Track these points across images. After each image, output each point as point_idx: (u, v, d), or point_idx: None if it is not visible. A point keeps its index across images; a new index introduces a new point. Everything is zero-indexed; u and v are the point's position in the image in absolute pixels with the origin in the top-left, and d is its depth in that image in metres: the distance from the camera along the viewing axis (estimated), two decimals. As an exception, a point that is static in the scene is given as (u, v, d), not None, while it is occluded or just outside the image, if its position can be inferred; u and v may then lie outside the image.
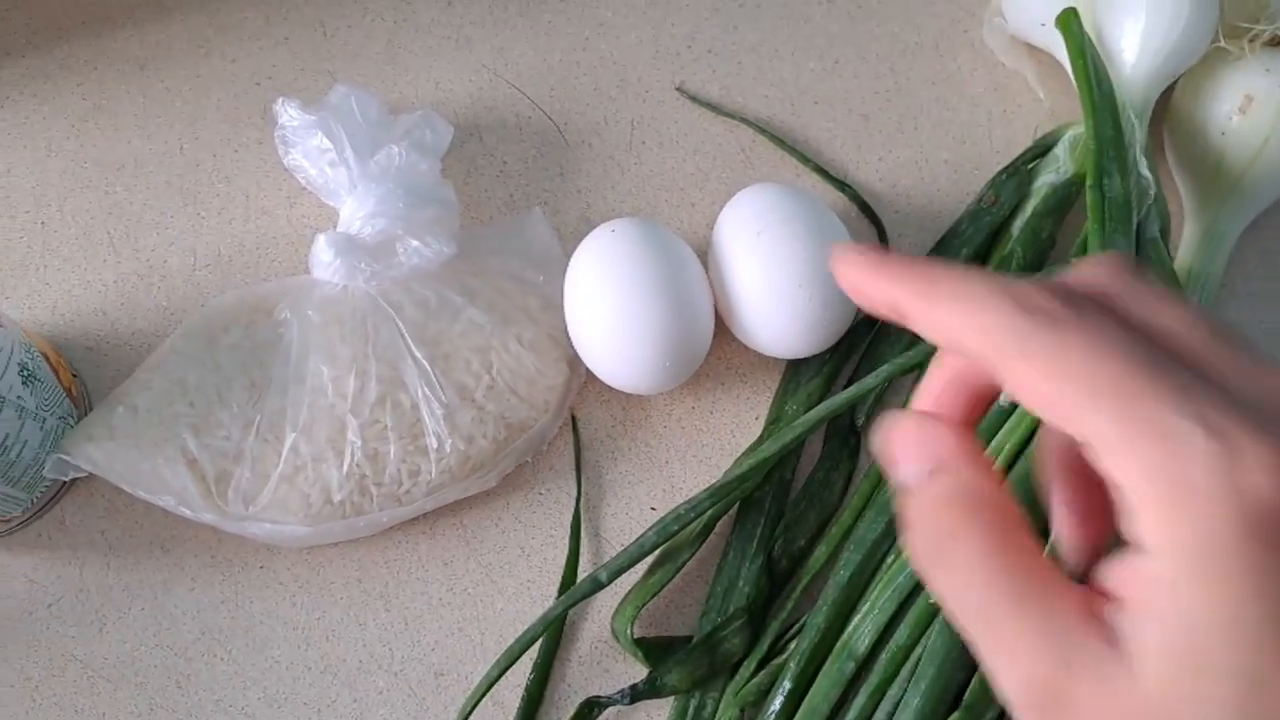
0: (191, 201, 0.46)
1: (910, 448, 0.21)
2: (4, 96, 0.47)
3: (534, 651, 0.39)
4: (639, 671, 0.39)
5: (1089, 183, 0.38)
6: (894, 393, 0.43)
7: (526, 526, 0.41)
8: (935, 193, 0.47)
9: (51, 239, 0.45)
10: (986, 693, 0.34)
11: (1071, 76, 0.41)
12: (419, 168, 0.42)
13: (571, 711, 0.39)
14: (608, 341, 0.39)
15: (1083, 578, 0.20)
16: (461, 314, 0.41)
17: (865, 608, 0.37)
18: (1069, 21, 0.41)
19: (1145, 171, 0.40)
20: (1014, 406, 0.37)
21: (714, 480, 0.40)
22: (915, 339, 0.43)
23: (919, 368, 0.40)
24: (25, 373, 0.37)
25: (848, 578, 0.38)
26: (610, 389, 0.42)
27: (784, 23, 0.50)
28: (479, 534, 0.41)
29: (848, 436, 0.42)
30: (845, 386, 0.41)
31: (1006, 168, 0.45)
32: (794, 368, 0.43)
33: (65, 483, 0.41)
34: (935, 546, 0.20)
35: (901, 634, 0.36)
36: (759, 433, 0.42)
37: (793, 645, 0.38)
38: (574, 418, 0.43)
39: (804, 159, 0.47)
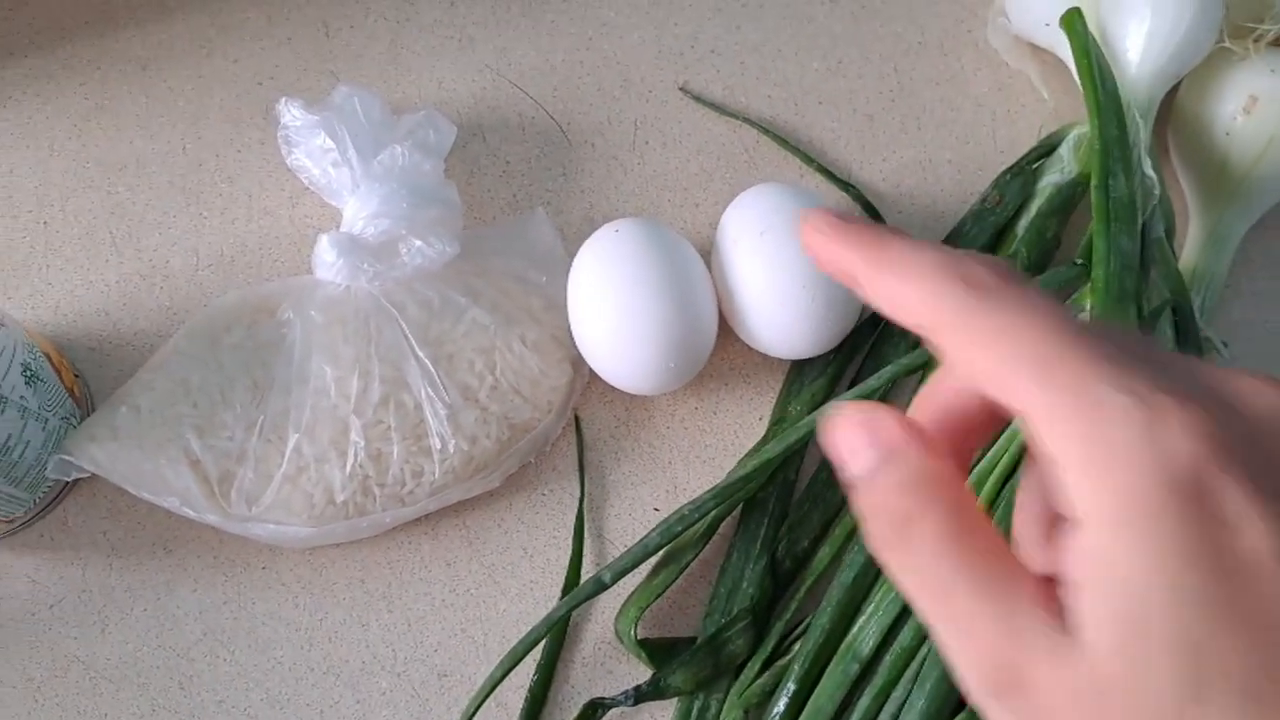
0: (194, 201, 0.46)
1: (858, 439, 0.21)
2: (7, 96, 0.47)
3: (537, 652, 0.39)
4: (643, 673, 0.39)
5: (1094, 183, 0.38)
6: (898, 393, 0.43)
7: (530, 527, 0.41)
8: (939, 193, 0.47)
9: (54, 239, 0.45)
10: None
11: (1075, 76, 0.41)
12: (422, 168, 0.42)
13: (575, 713, 0.39)
14: (611, 342, 0.39)
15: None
16: (465, 314, 0.40)
17: (870, 609, 0.37)
18: (1073, 21, 0.40)
19: (1150, 171, 0.40)
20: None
21: (717, 481, 0.40)
22: (919, 340, 0.43)
23: (923, 368, 0.40)
24: (28, 373, 0.37)
25: (852, 578, 0.37)
26: (613, 389, 0.42)
27: (787, 23, 0.50)
28: (482, 535, 0.41)
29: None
30: (849, 387, 0.41)
31: (1011, 168, 0.45)
32: (798, 368, 0.43)
33: (68, 483, 0.41)
34: (894, 532, 0.20)
35: (906, 635, 0.36)
36: (763, 433, 0.42)
37: (797, 646, 0.38)
38: (577, 418, 0.43)
39: (808, 159, 0.46)
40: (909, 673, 0.35)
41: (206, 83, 0.48)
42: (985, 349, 0.19)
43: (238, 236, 0.45)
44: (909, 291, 0.20)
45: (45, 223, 0.45)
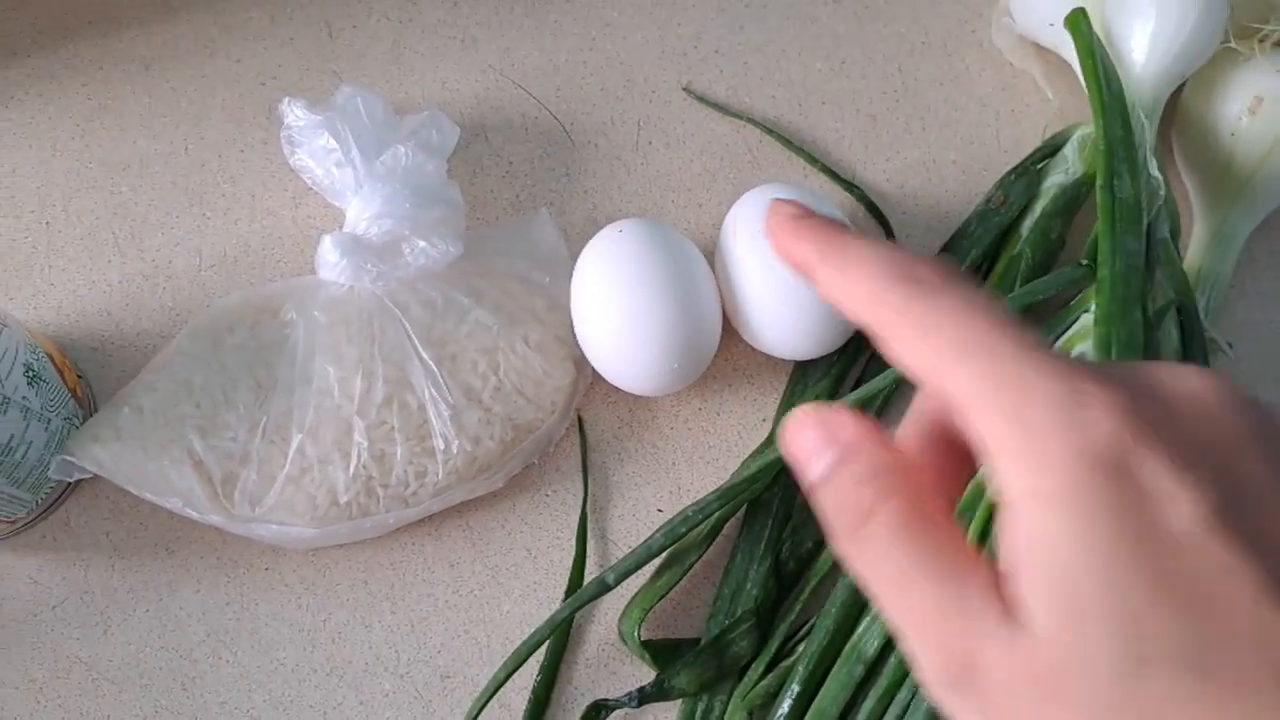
0: (197, 202, 0.46)
1: (814, 440, 0.21)
2: (9, 96, 0.47)
3: (541, 654, 0.39)
4: (646, 674, 0.39)
5: (1099, 183, 0.38)
6: (901, 394, 0.42)
7: (533, 528, 0.41)
8: (943, 193, 0.47)
9: (56, 239, 0.45)
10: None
11: (1080, 76, 0.41)
12: (425, 168, 0.42)
13: (579, 714, 0.38)
14: (615, 343, 0.39)
15: None
16: (468, 315, 0.40)
17: (874, 610, 0.37)
18: (1078, 21, 0.40)
19: (1155, 172, 0.40)
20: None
21: (721, 482, 0.40)
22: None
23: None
24: (30, 373, 0.37)
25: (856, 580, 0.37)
26: (616, 390, 0.42)
27: (790, 23, 0.50)
28: (485, 536, 0.41)
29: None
30: (853, 388, 0.41)
31: (1015, 168, 0.45)
32: (801, 369, 0.43)
33: (70, 484, 0.40)
34: (853, 525, 0.20)
35: (911, 637, 0.35)
36: (766, 434, 0.42)
37: (801, 648, 0.38)
38: (580, 419, 0.42)
39: (811, 159, 0.46)
40: (914, 675, 0.35)
41: (209, 83, 0.48)
42: (924, 342, 0.19)
43: (241, 237, 0.45)
44: (856, 288, 0.21)
45: (48, 223, 0.45)
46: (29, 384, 0.37)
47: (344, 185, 0.41)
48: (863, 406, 0.41)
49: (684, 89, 0.48)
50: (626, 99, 0.48)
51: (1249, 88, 0.43)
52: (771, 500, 0.40)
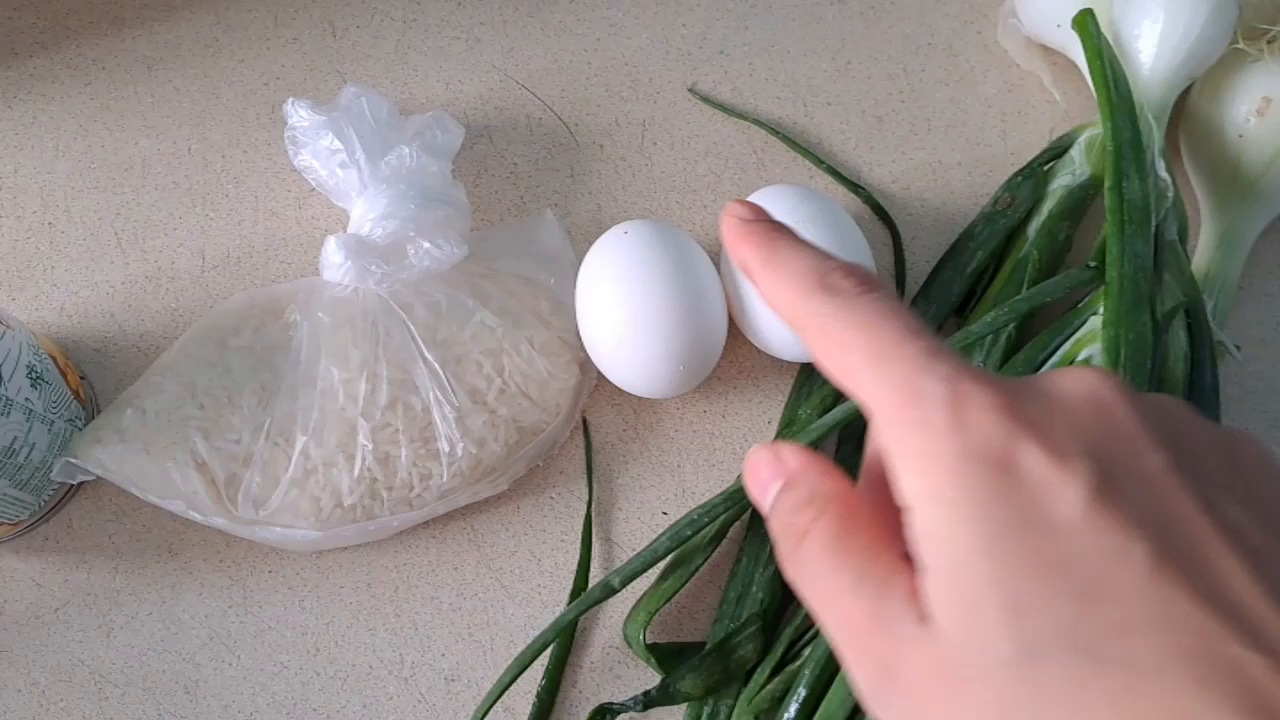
0: (200, 203, 0.45)
1: (765, 473, 0.23)
2: (12, 96, 0.47)
3: (545, 657, 0.39)
4: (651, 678, 0.39)
5: (1107, 185, 0.38)
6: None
7: (537, 531, 0.41)
8: (949, 195, 0.46)
9: (59, 240, 0.45)
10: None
11: (1087, 78, 0.41)
12: (430, 169, 0.41)
13: (583, 718, 0.38)
14: (620, 344, 0.39)
15: None
16: (473, 317, 0.40)
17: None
18: (1085, 23, 0.40)
19: (1163, 173, 0.40)
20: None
21: (727, 485, 0.40)
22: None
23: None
24: (33, 375, 0.37)
25: (863, 584, 0.37)
26: (621, 392, 0.42)
27: (796, 23, 0.49)
28: (489, 538, 0.41)
29: (861, 441, 0.42)
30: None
31: (1022, 170, 0.45)
32: (807, 371, 0.43)
33: (73, 486, 0.40)
34: (791, 546, 0.21)
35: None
36: (772, 437, 0.42)
37: (807, 652, 0.38)
38: (585, 421, 0.42)
39: (817, 161, 0.46)
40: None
41: (213, 83, 0.48)
42: (838, 348, 0.21)
43: (244, 238, 0.45)
44: (782, 293, 0.22)
45: (50, 224, 0.45)
46: (32, 386, 0.37)
47: (348, 186, 0.41)
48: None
49: (689, 90, 0.48)
50: (631, 100, 0.48)
51: (1257, 89, 0.43)
52: (777, 503, 0.40)
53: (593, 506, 0.41)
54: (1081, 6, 0.41)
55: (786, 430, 0.42)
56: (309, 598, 0.40)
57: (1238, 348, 0.42)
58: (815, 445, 0.39)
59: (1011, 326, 0.40)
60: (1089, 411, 0.19)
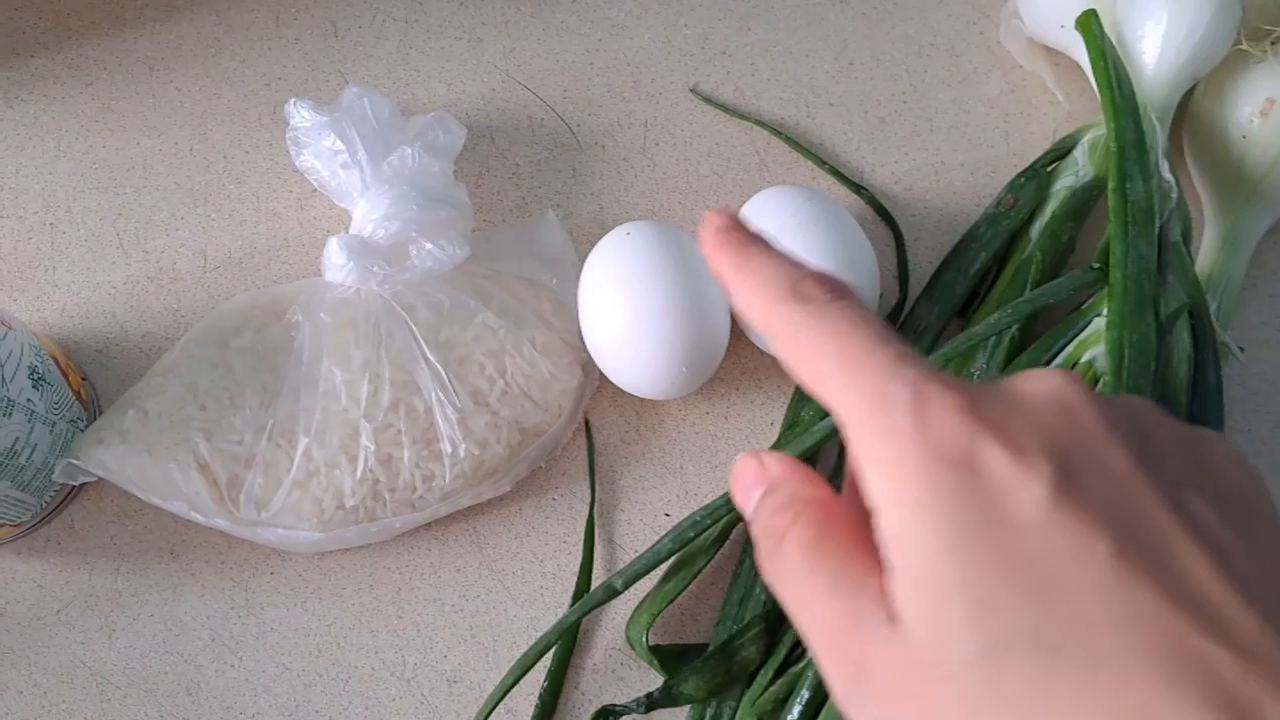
0: (202, 203, 0.45)
1: (749, 478, 0.23)
2: (14, 96, 0.47)
3: (547, 659, 0.39)
4: (654, 680, 0.39)
5: (1111, 186, 0.38)
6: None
7: (540, 532, 0.41)
8: (952, 196, 0.46)
9: (60, 240, 0.45)
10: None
11: (1091, 78, 0.41)
12: (432, 170, 0.41)
13: (586, 720, 0.38)
14: (622, 346, 0.39)
15: None
16: (475, 317, 0.40)
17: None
18: (1089, 23, 0.40)
19: (1167, 174, 0.40)
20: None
21: (729, 486, 0.40)
22: (932, 344, 0.43)
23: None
24: (35, 375, 0.37)
25: (866, 585, 0.37)
26: (624, 393, 0.42)
27: (798, 24, 0.49)
28: (492, 540, 0.41)
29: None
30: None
31: (1025, 170, 0.45)
32: (810, 372, 0.43)
33: (75, 487, 0.40)
34: (770, 549, 0.22)
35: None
36: (774, 438, 0.42)
37: (810, 653, 0.38)
38: (587, 423, 0.42)
39: (820, 161, 0.46)
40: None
41: (214, 83, 0.47)
42: (811, 356, 0.21)
43: (246, 238, 0.45)
44: (754, 301, 0.22)
45: (52, 224, 0.45)
46: (34, 387, 0.36)
47: (350, 187, 0.41)
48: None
49: (691, 90, 0.48)
50: (633, 100, 0.48)
51: (1261, 90, 0.42)
52: (780, 505, 0.40)
53: (595, 508, 0.41)
54: (1085, 7, 0.41)
55: (789, 432, 0.42)
56: (311, 599, 0.40)
57: (1241, 349, 0.42)
58: (817, 447, 0.39)
59: (1015, 328, 0.40)
60: (1052, 412, 0.19)
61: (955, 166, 0.47)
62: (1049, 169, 0.44)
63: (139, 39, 0.48)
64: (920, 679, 0.18)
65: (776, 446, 0.41)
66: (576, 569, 0.40)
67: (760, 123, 0.47)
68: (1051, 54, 0.48)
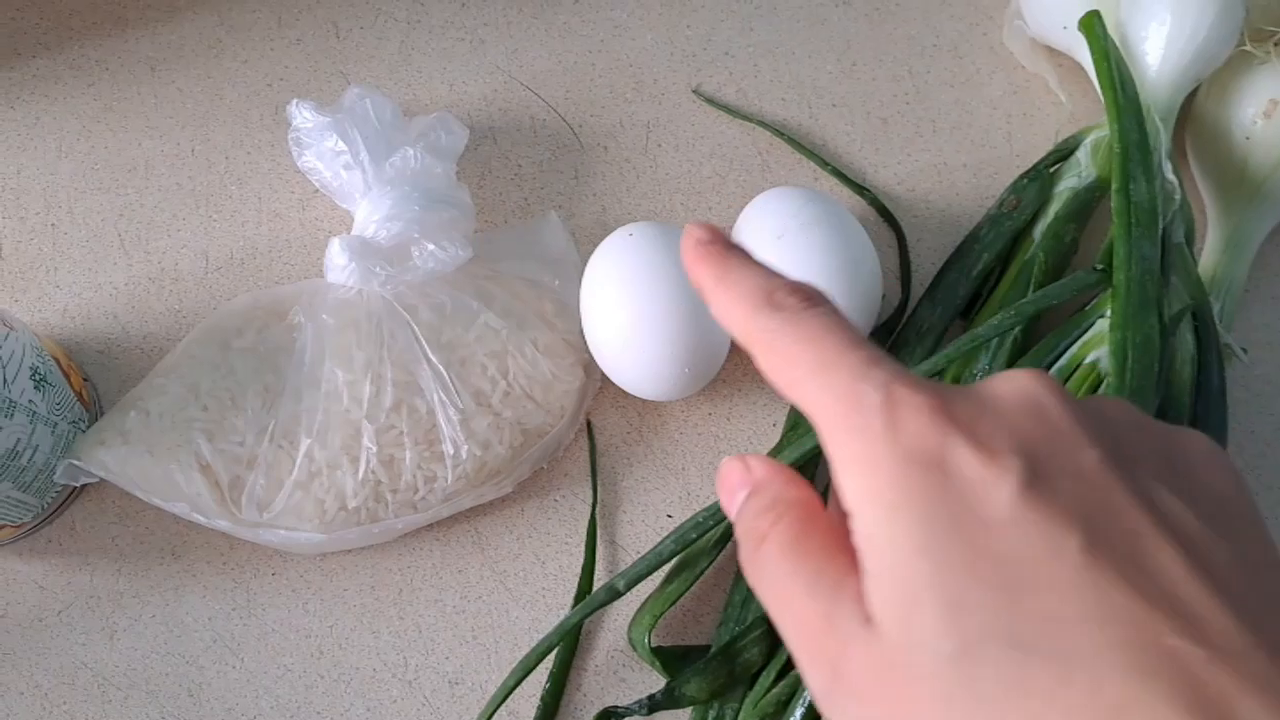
0: (203, 204, 0.45)
1: (734, 481, 0.24)
2: (15, 97, 0.47)
3: (549, 661, 0.39)
4: (656, 681, 0.39)
5: (1115, 187, 0.38)
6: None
7: (542, 534, 0.41)
8: (955, 197, 0.46)
9: (62, 241, 0.45)
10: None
11: (1094, 79, 0.41)
12: (434, 171, 0.41)
13: (588, 722, 0.38)
14: (624, 347, 0.39)
15: None
16: (477, 318, 0.40)
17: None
18: (1092, 24, 0.40)
19: (1170, 176, 0.40)
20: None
21: (716, 488, 0.39)
22: (935, 345, 0.43)
23: (938, 375, 0.39)
24: (36, 376, 0.37)
25: (869, 587, 0.37)
26: (626, 394, 0.41)
27: (800, 25, 0.49)
28: (494, 541, 0.41)
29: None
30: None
31: (1027, 172, 0.45)
32: (812, 373, 0.42)
33: (76, 488, 0.40)
34: (751, 549, 0.22)
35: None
36: (776, 440, 0.42)
37: (813, 655, 0.37)
38: (589, 424, 0.42)
39: (822, 162, 0.46)
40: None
41: (216, 84, 0.47)
42: (787, 363, 0.21)
43: (248, 239, 0.45)
44: (732, 311, 0.22)
45: (53, 225, 0.45)
46: (35, 387, 0.36)
47: (352, 187, 0.41)
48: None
49: (693, 91, 0.48)
50: (635, 101, 0.48)
51: (1264, 91, 0.42)
52: (782, 506, 0.40)
53: (597, 509, 0.41)
54: (1088, 8, 0.41)
55: (791, 433, 0.41)
56: (313, 600, 0.40)
57: (1244, 350, 0.42)
58: (818, 449, 0.39)
59: (1018, 329, 0.40)
60: (1022, 411, 0.20)
61: (958, 167, 0.47)
62: (1052, 170, 0.44)
63: (141, 39, 0.48)
64: (896, 679, 0.18)
65: (778, 448, 0.41)
66: (578, 570, 0.40)
67: (763, 124, 0.47)
68: (1054, 55, 0.48)
